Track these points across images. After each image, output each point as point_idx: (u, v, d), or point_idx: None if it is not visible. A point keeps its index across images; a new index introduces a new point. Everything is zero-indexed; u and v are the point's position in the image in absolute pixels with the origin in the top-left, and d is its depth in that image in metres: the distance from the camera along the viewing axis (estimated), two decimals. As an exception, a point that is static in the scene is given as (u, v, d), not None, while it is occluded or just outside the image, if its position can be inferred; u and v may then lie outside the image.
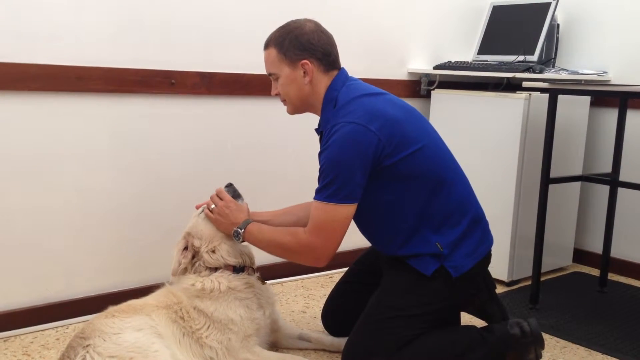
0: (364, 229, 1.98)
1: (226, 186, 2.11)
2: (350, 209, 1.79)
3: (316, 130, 2.03)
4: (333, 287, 2.29)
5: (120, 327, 1.70)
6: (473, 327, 1.99)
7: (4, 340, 2.18)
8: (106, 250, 2.42)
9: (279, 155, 2.85)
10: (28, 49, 2.15)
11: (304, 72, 1.88)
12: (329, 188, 1.77)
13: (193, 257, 2.01)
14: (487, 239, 1.98)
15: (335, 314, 2.22)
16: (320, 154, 1.85)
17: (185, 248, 2.01)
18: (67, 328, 2.30)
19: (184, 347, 1.83)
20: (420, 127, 1.90)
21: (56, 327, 2.30)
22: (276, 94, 1.97)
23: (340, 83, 1.91)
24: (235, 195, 2.08)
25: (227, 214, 1.99)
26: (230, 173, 2.68)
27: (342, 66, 1.96)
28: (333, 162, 1.77)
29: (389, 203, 1.85)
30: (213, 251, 2.00)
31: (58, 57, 2.21)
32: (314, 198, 1.82)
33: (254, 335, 1.96)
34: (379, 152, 1.77)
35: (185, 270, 2.01)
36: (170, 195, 2.54)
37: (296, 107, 1.98)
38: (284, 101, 1.98)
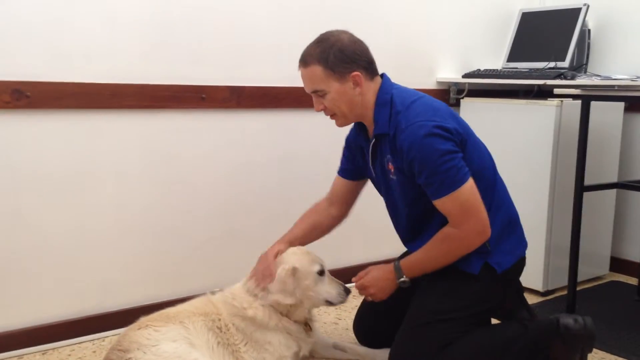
0: (416, 228, 1.96)
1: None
2: (469, 183, 1.78)
3: (369, 138, 1.98)
4: (363, 298, 2.28)
5: (157, 338, 1.73)
6: (514, 321, 1.98)
7: (42, 354, 2.22)
8: (141, 263, 2.46)
9: (310, 167, 2.85)
10: (64, 67, 2.20)
11: (354, 84, 1.86)
12: (442, 182, 1.76)
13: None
14: (523, 241, 2.00)
15: (367, 323, 2.22)
16: (402, 158, 1.81)
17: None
18: (103, 340, 2.33)
19: (217, 356, 1.84)
20: (467, 127, 1.92)
21: (93, 340, 2.33)
22: (321, 109, 1.93)
23: (388, 87, 1.91)
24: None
25: (378, 285, 1.95)
26: (262, 185, 2.70)
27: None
28: (431, 159, 1.75)
29: None
30: (291, 305, 1.96)
31: (93, 75, 2.26)
32: (436, 198, 1.80)
33: (289, 357, 1.96)
34: (457, 142, 1.79)
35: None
36: (203, 209, 2.57)
37: (348, 120, 1.95)
38: (332, 115, 1.93)
